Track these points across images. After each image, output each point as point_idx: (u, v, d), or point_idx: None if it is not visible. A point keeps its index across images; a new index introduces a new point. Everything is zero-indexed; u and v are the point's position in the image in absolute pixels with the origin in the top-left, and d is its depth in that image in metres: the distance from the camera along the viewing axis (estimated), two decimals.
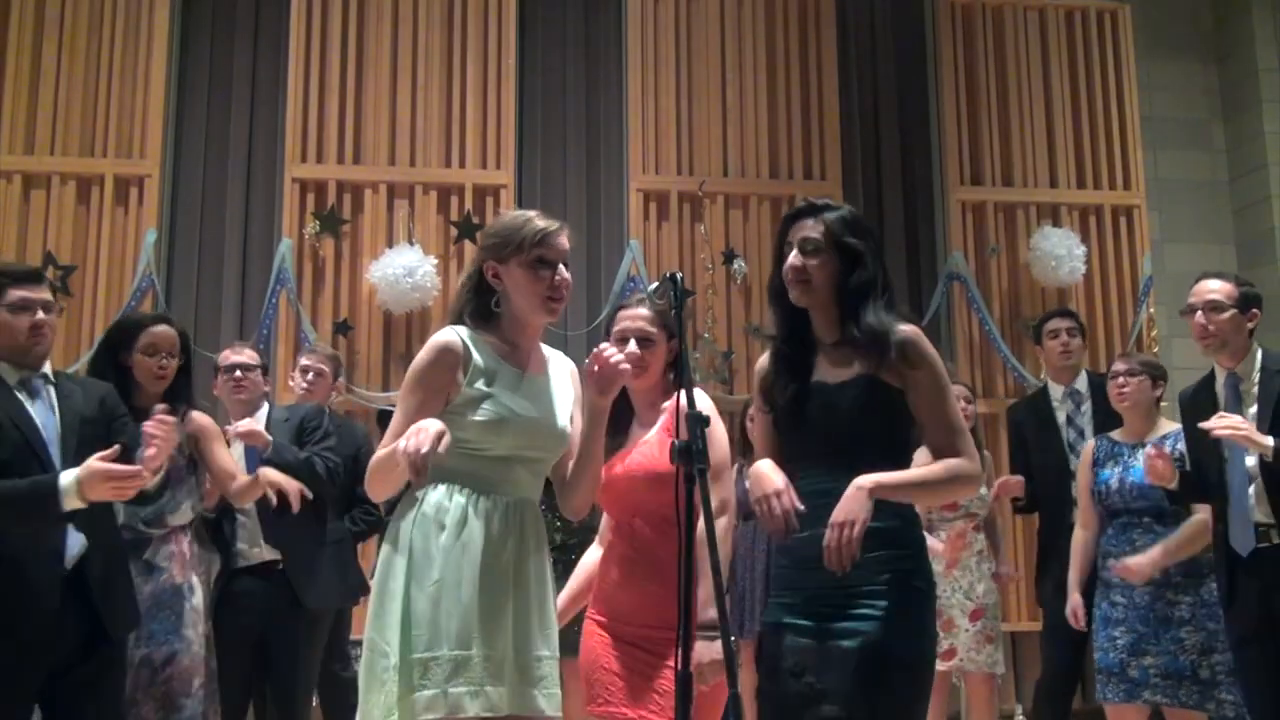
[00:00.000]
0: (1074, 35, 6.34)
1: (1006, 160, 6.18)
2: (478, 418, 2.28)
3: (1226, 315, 3.44)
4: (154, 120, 5.59)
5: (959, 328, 5.96)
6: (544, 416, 2.37)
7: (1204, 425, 3.26)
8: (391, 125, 5.74)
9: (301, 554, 3.82)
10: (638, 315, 2.67)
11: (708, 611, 2.40)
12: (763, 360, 2.45)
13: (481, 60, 5.84)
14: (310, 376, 4.28)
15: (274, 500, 3.53)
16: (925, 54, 6.33)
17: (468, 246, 5.54)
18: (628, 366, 2.35)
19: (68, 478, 2.68)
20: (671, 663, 2.36)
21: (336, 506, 4.04)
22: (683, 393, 2.11)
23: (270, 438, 3.70)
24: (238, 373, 3.94)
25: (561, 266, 2.36)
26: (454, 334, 2.33)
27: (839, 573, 2.11)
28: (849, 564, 2.11)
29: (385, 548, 2.29)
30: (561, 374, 2.48)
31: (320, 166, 5.64)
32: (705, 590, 2.37)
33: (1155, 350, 5.80)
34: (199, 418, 3.57)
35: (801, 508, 2.15)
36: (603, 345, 2.35)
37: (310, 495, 3.62)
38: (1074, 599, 4.01)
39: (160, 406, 2.89)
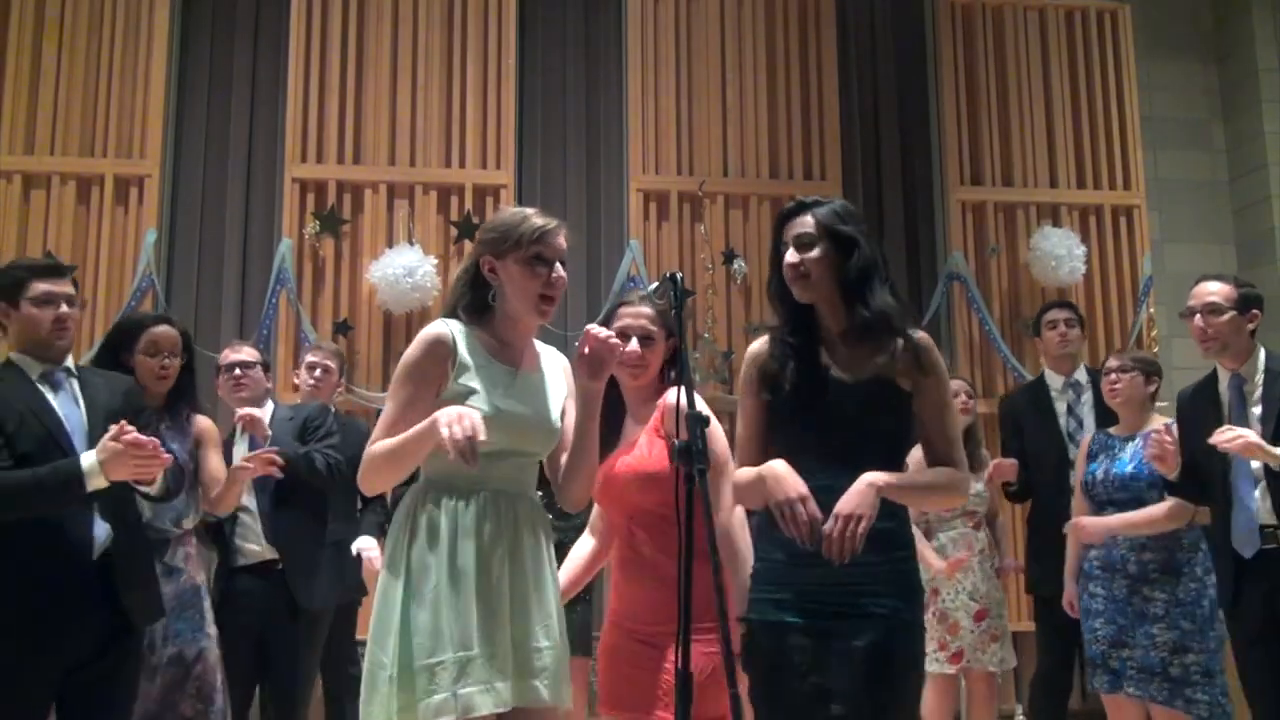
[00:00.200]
0: (1074, 35, 6.33)
1: (1006, 160, 6.17)
2: None
3: (1225, 317, 3.44)
4: (154, 120, 5.59)
5: (959, 328, 5.96)
6: (534, 413, 2.36)
7: (1213, 440, 3.23)
8: (391, 125, 5.73)
9: (301, 555, 3.82)
10: (640, 313, 2.65)
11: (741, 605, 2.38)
12: (759, 343, 2.42)
13: (481, 60, 5.84)
14: (318, 373, 4.30)
15: (252, 469, 3.50)
16: (925, 54, 6.33)
17: (468, 246, 5.51)
18: (618, 342, 2.34)
19: (89, 459, 2.66)
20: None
21: (337, 507, 4.03)
22: (678, 390, 2.11)
23: (270, 432, 3.72)
24: (238, 371, 3.94)
25: (558, 265, 2.35)
26: (445, 327, 2.33)
27: (836, 563, 2.12)
28: (848, 556, 2.12)
29: (383, 574, 2.30)
30: (555, 370, 2.48)
31: (320, 166, 5.63)
32: (738, 585, 2.38)
33: (1155, 350, 5.79)
34: (200, 421, 3.58)
35: (820, 517, 2.14)
36: (593, 325, 2.34)
37: (282, 462, 3.57)
38: (1070, 588, 4.04)
39: (119, 425, 2.71)
